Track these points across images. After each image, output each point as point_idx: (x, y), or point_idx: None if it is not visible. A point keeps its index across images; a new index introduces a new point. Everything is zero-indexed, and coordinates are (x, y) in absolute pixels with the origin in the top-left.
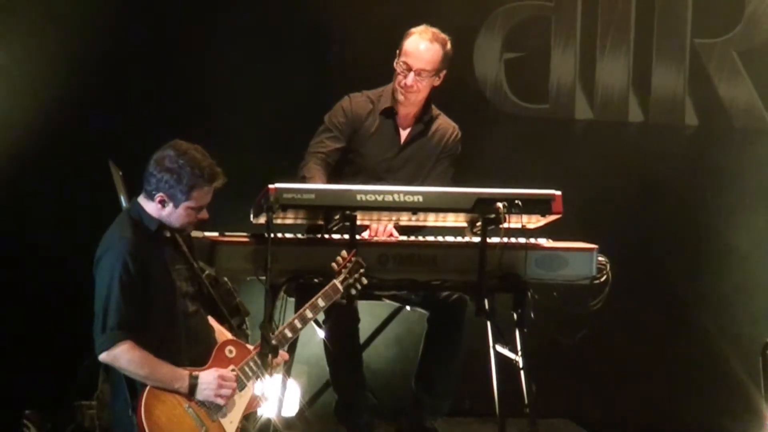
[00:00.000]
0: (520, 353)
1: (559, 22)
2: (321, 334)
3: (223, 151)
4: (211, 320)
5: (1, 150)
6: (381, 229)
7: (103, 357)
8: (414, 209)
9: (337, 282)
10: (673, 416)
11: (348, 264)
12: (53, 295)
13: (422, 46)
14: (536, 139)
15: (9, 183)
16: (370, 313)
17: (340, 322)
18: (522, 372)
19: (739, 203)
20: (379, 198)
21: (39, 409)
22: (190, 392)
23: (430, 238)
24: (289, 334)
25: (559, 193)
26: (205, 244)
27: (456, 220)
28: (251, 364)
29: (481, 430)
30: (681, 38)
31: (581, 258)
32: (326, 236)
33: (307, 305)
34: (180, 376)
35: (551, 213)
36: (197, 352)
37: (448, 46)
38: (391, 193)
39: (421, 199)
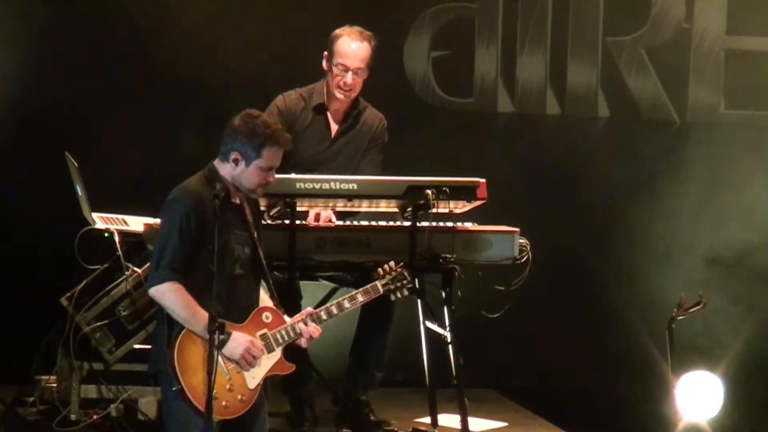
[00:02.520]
0: (448, 328)
1: (482, 23)
2: None
3: (171, 139)
4: (262, 291)
5: None
6: (321, 214)
7: (152, 292)
8: (349, 196)
9: (379, 284)
10: (587, 385)
11: (393, 272)
12: (13, 276)
13: (354, 46)
14: (462, 130)
15: None
16: (307, 294)
17: (285, 299)
18: (450, 346)
19: (645, 185)
20: (317, 186)
21: (1, 383)
22: (220, 346)
23: (365, 223)
24: (324, 317)
25: (483, 180)
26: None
27: (388, 206)
28: (283, 332)
29: (412, 400)
30: (593, 36)
31: (504, 240)
32: (269, 221)
33: (346, 296)
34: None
35: (476, 199)
36: (237, 312)
37: (374, 41)
38: (328, 181)
39: (355, 186)
